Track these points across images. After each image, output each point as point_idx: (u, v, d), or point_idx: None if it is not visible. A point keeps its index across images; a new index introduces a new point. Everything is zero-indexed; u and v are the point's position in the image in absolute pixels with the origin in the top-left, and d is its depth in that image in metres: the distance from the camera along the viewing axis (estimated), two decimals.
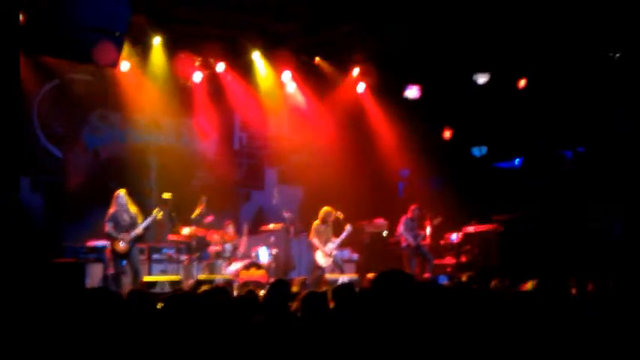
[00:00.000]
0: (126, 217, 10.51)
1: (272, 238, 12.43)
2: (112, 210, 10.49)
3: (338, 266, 12.05)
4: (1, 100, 8.69)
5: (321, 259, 11.76)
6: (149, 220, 10.80)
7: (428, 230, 12.86)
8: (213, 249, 11.76)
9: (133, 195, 10.99)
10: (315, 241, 11.78)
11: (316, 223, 11.89)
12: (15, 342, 3.88)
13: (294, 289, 10.37)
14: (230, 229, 12.02)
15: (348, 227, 11.95)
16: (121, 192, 10.62)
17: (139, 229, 10.54)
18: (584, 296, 6.59)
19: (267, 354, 4.01)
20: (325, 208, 11.92)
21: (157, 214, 10.85)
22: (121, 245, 10.37)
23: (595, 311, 5.05)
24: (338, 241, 11.90)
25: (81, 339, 3.88)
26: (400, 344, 3.04)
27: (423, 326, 3.12)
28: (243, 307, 5.34)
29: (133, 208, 10.71)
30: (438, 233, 13.37)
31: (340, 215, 12.33)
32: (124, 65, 12.52)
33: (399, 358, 3.07)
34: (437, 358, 3.17)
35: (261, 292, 7.06)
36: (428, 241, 12.87)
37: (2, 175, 8.63)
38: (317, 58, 14.27)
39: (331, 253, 11.82)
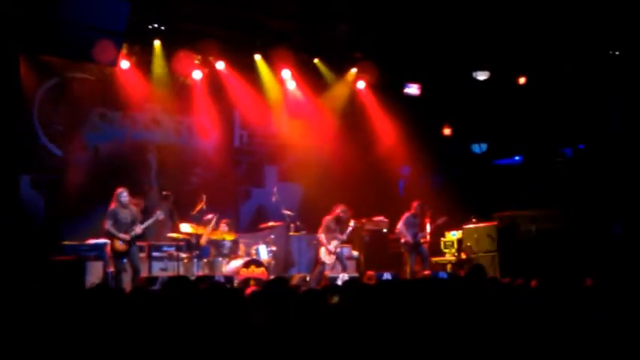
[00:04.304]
0: (126, 215, 10.42)
1: (272, 236, 12.42)
2: (112, 207, 10.41)
3: (342, 263, 11.94)
4: (1, 100, 8.71)
5: (324, 255, 11.66)
6: (150, 220, 10.72)
7: (428, 228, 12.81)
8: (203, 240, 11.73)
9: (133, 193, 10.95)
10: (322, 237, 11.66)
11: (329, 217, 11.78)
12: (15, 340, 3.88)
13: (294, 283, 10.46)
14: (224, 227, 11.95)
15: (352, 223, 11.90)
16: (123, 189, 10.53)
17: (138, 230, 10.44)
18: (585, 293, 6.57)
19: (269, 351, 4.01)
20: (341, 205, 11.84)
21: (159, 216, 10.83)
22: (120, 244, 10.31)
23: (595, 308, 5.02)
24: (344, 237, 11.84)
25: (81, 336, 3.88)
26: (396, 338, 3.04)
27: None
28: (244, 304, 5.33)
29: (134, 206, 10.67)
30: (438, 230, 13.34)
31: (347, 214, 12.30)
32: (124, 64, 12.54)
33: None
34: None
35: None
36: (428, 239, 12.82)
37: (2, 175, 8.64)
38: (316, 57, 14.29)
39: (335, 250, 11.74)
